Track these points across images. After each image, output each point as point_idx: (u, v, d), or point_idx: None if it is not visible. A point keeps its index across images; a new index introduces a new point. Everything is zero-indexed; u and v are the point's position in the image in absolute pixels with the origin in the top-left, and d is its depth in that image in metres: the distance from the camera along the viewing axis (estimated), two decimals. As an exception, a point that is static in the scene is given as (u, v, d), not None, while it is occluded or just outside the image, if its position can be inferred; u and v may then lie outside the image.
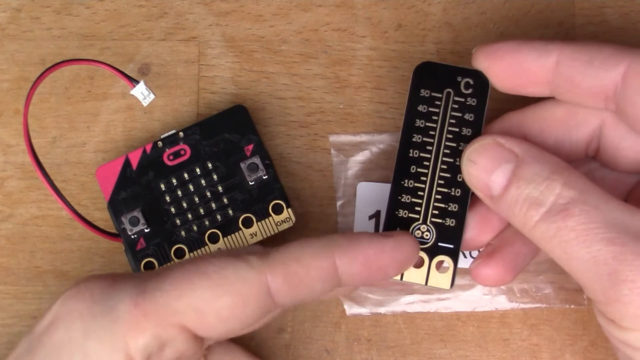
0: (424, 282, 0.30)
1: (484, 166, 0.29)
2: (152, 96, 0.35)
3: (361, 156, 0.36)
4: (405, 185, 0.30)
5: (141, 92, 0.35)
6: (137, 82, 0.35)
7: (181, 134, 0.35)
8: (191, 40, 0.38)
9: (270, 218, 0.34)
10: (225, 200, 0.35)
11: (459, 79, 0.31)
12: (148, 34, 0.38)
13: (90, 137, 0.37)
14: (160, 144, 0.35)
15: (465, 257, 0.35)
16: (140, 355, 0.26)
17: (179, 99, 0.37)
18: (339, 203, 0.36)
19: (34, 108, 0.37)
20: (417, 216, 0.30)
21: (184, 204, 0.35)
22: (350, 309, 0.35)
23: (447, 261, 0.30)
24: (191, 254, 0.34)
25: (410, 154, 0.30)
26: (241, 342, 0.34)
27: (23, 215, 0.36)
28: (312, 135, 0.37)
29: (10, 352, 0.28)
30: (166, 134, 0.35)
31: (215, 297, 0.26)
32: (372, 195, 0.36)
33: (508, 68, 0.30)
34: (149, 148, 0.35)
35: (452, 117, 0.31)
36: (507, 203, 0.28)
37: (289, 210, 0.34)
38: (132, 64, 0.37)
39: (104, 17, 0.38)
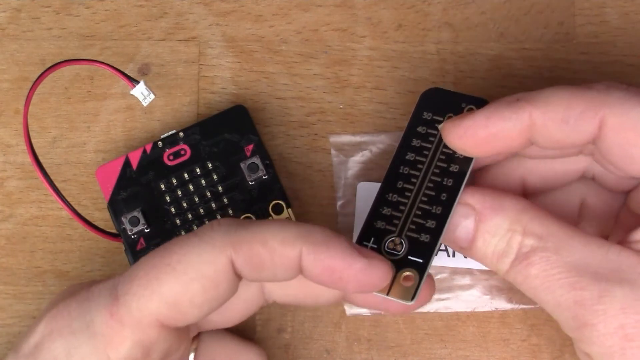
0: (385, 293, 0.28)
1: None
2: (152, 96, 0.35)
3: (361, 156, 0.36)
4: (389, 198, 0.30)
5: (141, 92, 0.35)
6: (137, 82, 0.35)
7: (181, 134, 0.35)
8: (191, 40, 0.38)
9: (270, 218, 0.34)
10: (225, 200, 0.35)
11: (463, 105, 0.31)
12: (148, 34, 0.38)
13: (90, 137, 0.37)
14: (160, 144, 0.35)
15: (449, 255, 0.35)
16: None
17: (179, 99, 0.37)
18: (339, 203, 0.36)
19: (34, 108, 0.37)
20: (394, 229, 0.30)
21: (184, 204, 0.35)
22: (350, 309, 0.35)
23: (414, 275, 0.29)
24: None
25: (401, 170, 0.31)
26: (241, 342, 0.34)
27: (23, 215, 0.36)
28: (312, 135, 0.37)
29: (9, 352, 0.28)
30: (166, 134, 0.35)
31: (185, 287, 0.26)
32: (372, 195, 0.35)
33: (482, 143, 0.29)
34: (149, 148, 0.35)
35: None
36: (477, 255, 0.29)
37: (289, 210, 0.34)
38: (132, 64, 0.37)
39: (104, 17, 0.38)
